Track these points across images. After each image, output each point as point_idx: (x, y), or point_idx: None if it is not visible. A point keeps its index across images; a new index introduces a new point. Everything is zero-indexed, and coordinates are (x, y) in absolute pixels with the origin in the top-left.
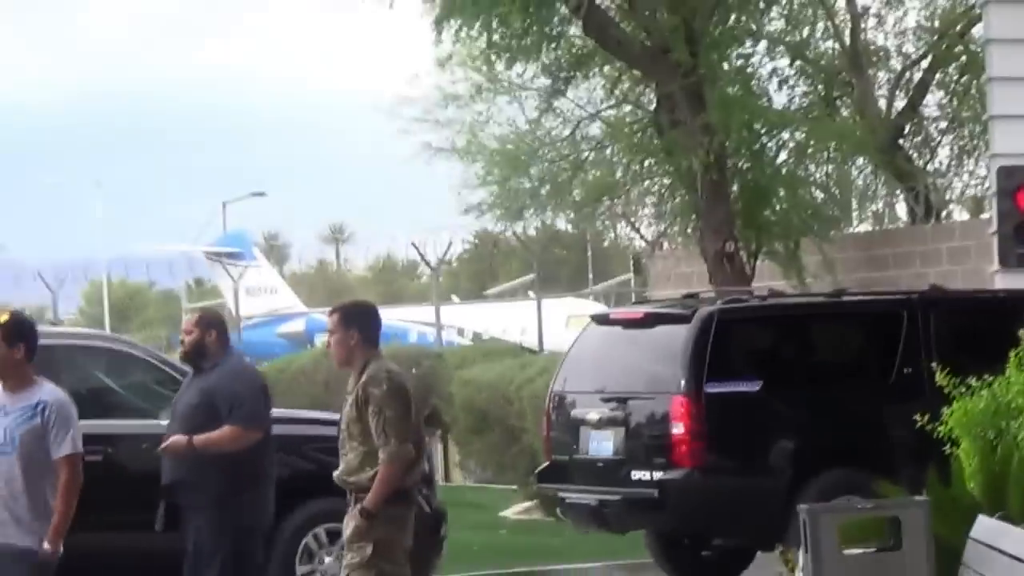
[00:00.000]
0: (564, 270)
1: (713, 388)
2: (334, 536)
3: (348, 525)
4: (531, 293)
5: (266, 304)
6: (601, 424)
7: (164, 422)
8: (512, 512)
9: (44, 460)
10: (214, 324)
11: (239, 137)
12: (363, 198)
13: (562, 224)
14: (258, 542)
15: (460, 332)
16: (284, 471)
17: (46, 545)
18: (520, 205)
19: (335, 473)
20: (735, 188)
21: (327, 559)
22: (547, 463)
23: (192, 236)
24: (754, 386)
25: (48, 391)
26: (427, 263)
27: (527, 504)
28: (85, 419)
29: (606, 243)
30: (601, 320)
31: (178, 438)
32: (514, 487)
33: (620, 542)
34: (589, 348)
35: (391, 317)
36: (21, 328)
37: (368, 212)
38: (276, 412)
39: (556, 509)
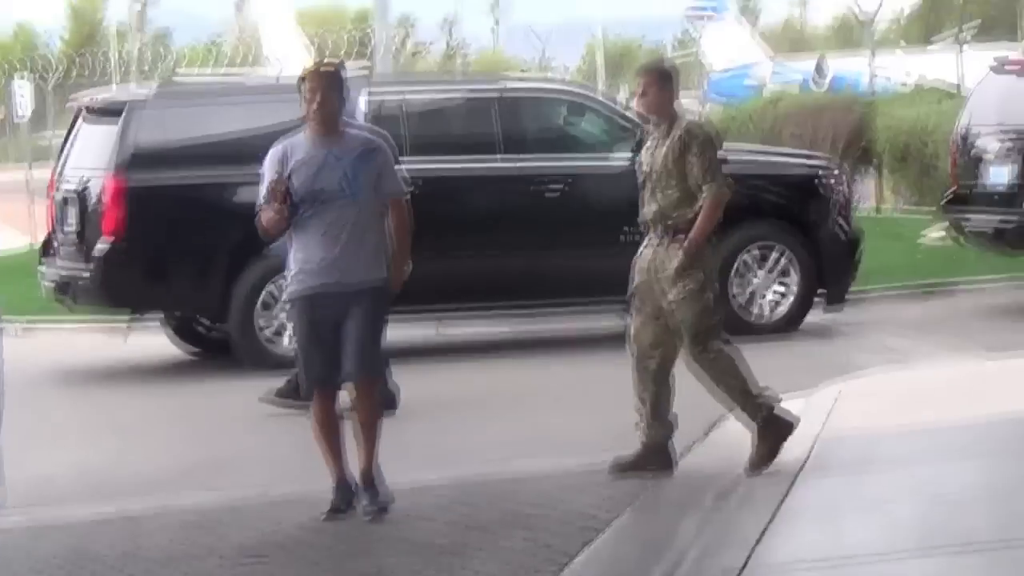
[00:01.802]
0: (1003, 21)
1: None
2: None
3: (667, 259)
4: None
5: (735, 57)
6: (999, 157)
7: (615, 160)
8: (927, 237)
9: (378, 201)
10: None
11: None
12: None
13: None
14: None
15: (903, 78)
16: None
17: (395, 281)
18: None
19: (651, 209)
20: None
21: None
22: (952, 191)
23: None
24: None
25: (369, 137)
26: (858, 19)
27: (941, 228)
28: (547, 155)
29: None
30: (1000, 67)
31: None
32: (929, 214)
33: (1019, 261)
34: (990, 91)
35: (843, 67)
36: (342, 79)
37: None
38: None
39: (961, 232)
